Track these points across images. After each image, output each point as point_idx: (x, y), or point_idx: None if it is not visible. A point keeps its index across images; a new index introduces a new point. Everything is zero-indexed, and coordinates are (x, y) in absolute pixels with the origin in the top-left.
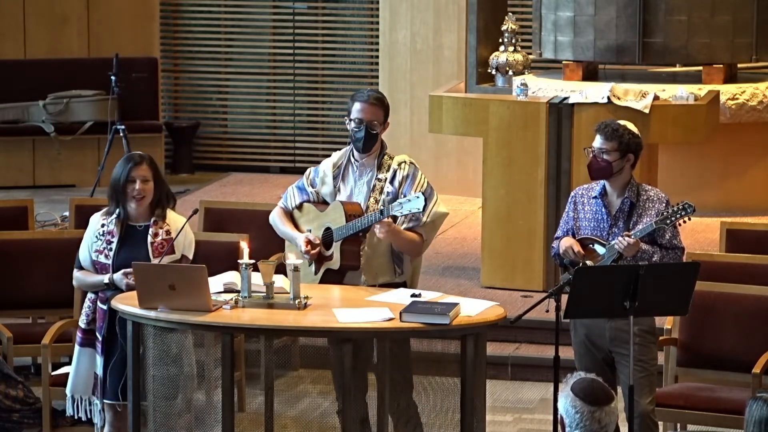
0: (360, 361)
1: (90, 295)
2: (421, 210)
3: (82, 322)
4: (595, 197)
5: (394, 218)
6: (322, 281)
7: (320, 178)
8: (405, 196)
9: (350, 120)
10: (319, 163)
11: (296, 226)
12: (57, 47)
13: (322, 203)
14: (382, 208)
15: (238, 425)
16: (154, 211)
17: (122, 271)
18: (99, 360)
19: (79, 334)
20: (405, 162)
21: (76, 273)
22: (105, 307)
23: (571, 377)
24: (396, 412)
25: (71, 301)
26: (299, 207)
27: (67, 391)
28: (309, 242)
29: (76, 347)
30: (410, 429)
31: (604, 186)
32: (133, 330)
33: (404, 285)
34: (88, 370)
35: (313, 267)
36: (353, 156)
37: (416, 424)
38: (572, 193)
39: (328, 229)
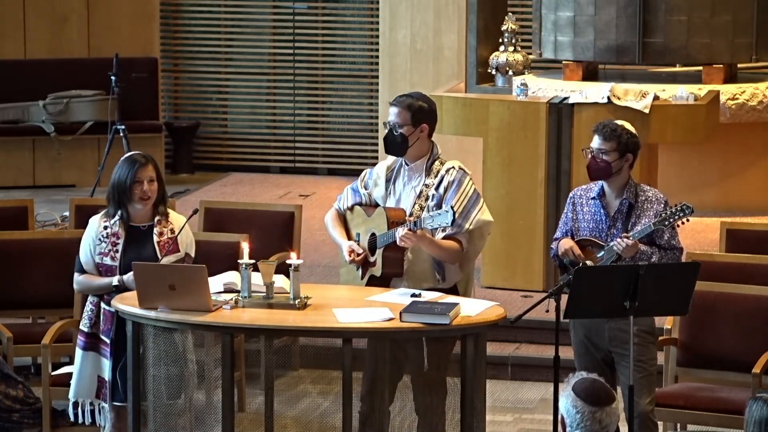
0: (391, 362)
1: (92, 298)
2: (449, 224)
3: (84, 326)
4: (593, 198)
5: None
6: (368, 286)
7: (373, 180)
8: (442, 207)
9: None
10: (320, 162)
11: (347, 229)
12: (57, 47)
13: (372, 206)
14: (416, 219)
15: (238, 425)
16: (155, 210)
17: (130, 275)
18: (107, 363)
19: (81, 338)
20: (453, 168)
21: (78, 277)
22: (112, 310)
23: (572, 377)
24: (424, 411)
25: (71, 301)
26: (351, 209)
27: (70, 395)
28: (352, 251)
29: (79, 351)
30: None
31: (602, 187)
32: (133, 330)
33: (454, 291)
34: (91, 375)
35: (360, 272)
36: (405, 160)
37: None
38: (570, 194)
39: (373, 234)
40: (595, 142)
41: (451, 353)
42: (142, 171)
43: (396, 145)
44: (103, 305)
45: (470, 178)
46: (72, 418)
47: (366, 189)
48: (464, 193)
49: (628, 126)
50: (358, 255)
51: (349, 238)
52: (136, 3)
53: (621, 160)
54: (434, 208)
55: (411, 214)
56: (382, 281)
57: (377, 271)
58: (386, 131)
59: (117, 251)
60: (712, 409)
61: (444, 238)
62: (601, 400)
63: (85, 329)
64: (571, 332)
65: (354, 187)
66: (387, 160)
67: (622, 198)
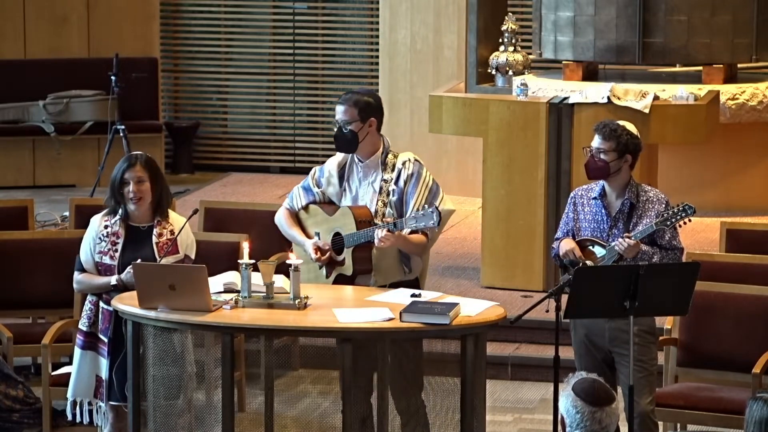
0: (365, 361)
1: (90, 297)
2: (436, 225)
3: (83, 325)
4: (594, 198)
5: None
6: (335, 283)
7: (326, 178)
8: (419, 210)
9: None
10: (320, 162)
11: (303, 228)
12: (57, 47)
13: (327, 203)
14: (395, 221)
15: (238, 425)
16: (155, 211)
17: (127, 273)
18: (104, 362)
19: (80, 337)
20: (409, 160)
21: (78, 276)
22: (110, 308)
23: (572, 377)
24: (405, 412)
25: (71, 301)
26: (305, 208)
27: (69, 395)
28: (318, 249)
29: (77, 350)
30: (418, 429)
31: (603, 187)
32: (133, 330)
33: (416, 281)
34: (89, 374)
35: (324, 270)
36: (357, 156)
37: (424, 424)
38: (572, 194)
39: (337, 234)
40: (595, 141)
41: (421, 351)
42: (129, 171)
43: (347, 142)
44: (101, 304)
45: (426, 169)
46: (70, 418)
47: (319, 187)
48: (425, 185)
49: (629, 127)
50: (324, 254)
51: (307, 236)
52: (136, 3)
53: (619, 161)
54: (396, 203)
55: (375, 212)
56: (349, 278)
57: (347, 270)
58: (335, 130)
59: (116, 250)
60: (712, 409)
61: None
62: (601, 400)
63: (84, 328)
64: (571, 332)
65: (305, 185)
66: (337, 157)
67: (624, 198)
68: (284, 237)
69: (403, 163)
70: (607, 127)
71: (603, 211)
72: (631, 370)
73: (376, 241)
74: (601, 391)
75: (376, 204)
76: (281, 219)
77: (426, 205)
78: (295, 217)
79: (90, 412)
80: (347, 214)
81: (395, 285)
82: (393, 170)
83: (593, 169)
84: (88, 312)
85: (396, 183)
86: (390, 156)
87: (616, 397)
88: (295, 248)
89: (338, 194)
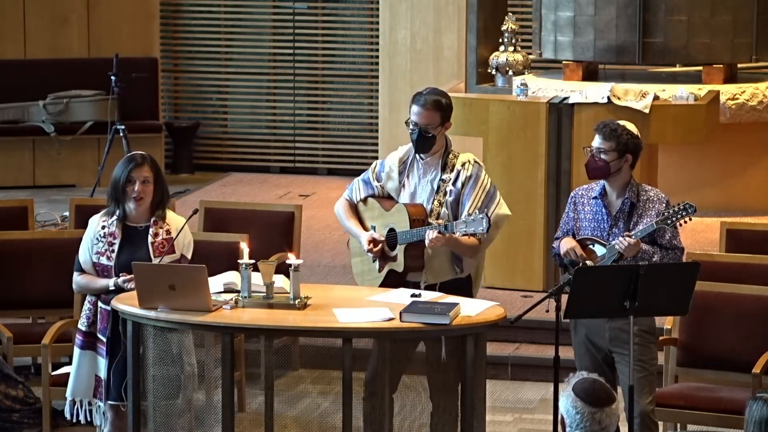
0: (397, 360)
1: (90, 297)
2: (485, 231)
3: (82, 325)
4: (595, 197)
5: None
6: (384, 281)
7: (386, 173)
8: (470, 215)
9: (409, 120)
10: (320, 162)
11: (360, 221)
12: (57, 47)
13: (386, 198)
14: (446, 223)
15: (238, 425)
16: (154, 211)
17: (122, 278)
18: (102, 362)
19: (79, 337)
20: (469, 162)
21: (77, 278)
22: (108, 308)
23: (572, 377)
24: (436, 411)
25: (71, 301)
26: (364, 200)
27: (68, 394)
28: (372, 241)
29: (77, 350)
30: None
31: (603, 186)
32: (133, 330)
33: (468, 280)
34: (89, 373)
35: (377, 264)
36: (420, 154)
37: (452, 424)
38: (572, 194)
39: (392, 230)
40: (596, 141)
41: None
42: (137, 171)
43: (429, 145)
44: (100, 304)
45: (485, 172)
46: (69, 417)
47: (378, 181)
48: (482, 188)
49: (630, 126)
50: (377, 245)
51: (364, 229)
52: (136, 3)
53: (620, 160)
54: (452, 204)
55: (431, 211)
56: (400, 275)
57: (399, 266)
58: (415, 132)
59: (113, 251)
60: (712, 409)
61: None
62: (601, 401)
63: (83, 328)
64: (571, 332)
65: (366, 178)
66: (398, 152)
67: (624, 197)
68: (284, 237)
69: (463, 164)
70: (608, 127)
71: (603, 210)
72: (630, 370)
73: (426, 241)
74: (601, 391)
75: (432, 203)
76: (340, 209)
77: (477, 211)
78: (354, 208)
79: (90, 411)
80: (402, 212)
81: (446, 284)
82: (452, 170)
83: (594, 169)
84: (87, 312)
85: (454, 184)
86: (451, 156)
87: (616, 397)
88: (354, 241)
89: (397, 189)
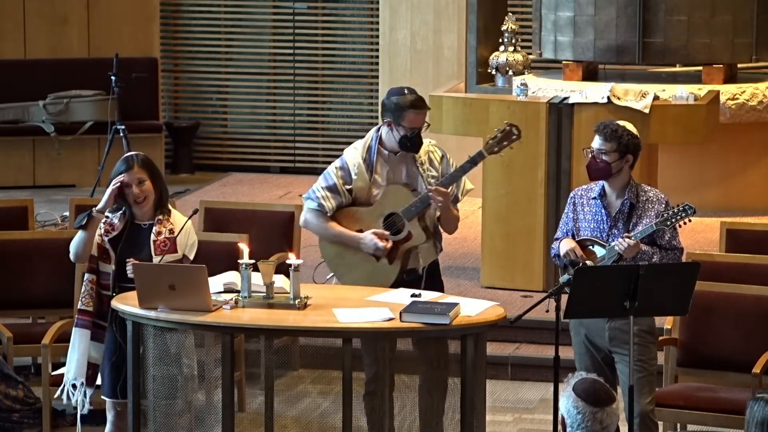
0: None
1: (88, 275)
2: (461, 192)
3: (80, 304)
4: (594, 198)
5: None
6: (395, 280)
7: (356, 174)
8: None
9: (400, 125)
10: (320, 162)
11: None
12: (57, 47)
13: (351, 204)
14: (440, 180)
15: (238, 425)
16: (157, 207)
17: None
18: (98, 347)
19: (77, 316)
20: (432, 145)
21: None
22: (110, 293)
23: (572, 377)
24: (433, 412)
25: (71, 301)
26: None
27: (70, 378)
28: (383, 235)
29: (74, 330)
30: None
31: (603, 187)
32: (133, 330)
33: (437, 262)
34: (83, 353)
35: (384, 261)
36: (381, 151)
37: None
38: (571, 194)
39: (389, 216)
40: (596, 142)
41: (449, 353)
42: (128, 175)
43: (415, 146)
44: (101, 291)
45: None
46: (65, 400)
47: (347, 185)
48: (453, 163)
49: (629, 127)
50: (387, 239)
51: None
52: (136, 3)
53: (621, 161)
54: (436, 185)
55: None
56: (410, 272)
57: (420, 238)
58: (414, 133)
59: (109, 234)
60: (712, 409)
61: None
62: (601, 401)
63: (80, 306)
64: (571, 332)
65: (330, 186)
66: (357, 152)
67: (624, 198)
68: (284, 237)
69: (426, 152)
70: (608, 127)
71: (603, 211)
72: (630, 370)
73: (433, 195)
74: (601, 391)
75: (420, 181)
76: (314, 220)
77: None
78: (327, 217)
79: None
80: (398, 190)
81: (431, 265)
82: (421, 157)
83: (595, 170)
84: (84, 292)
85: (431, 165)
86: None
87: (616, 397)
88: (334, 249)
89: (366, 188)
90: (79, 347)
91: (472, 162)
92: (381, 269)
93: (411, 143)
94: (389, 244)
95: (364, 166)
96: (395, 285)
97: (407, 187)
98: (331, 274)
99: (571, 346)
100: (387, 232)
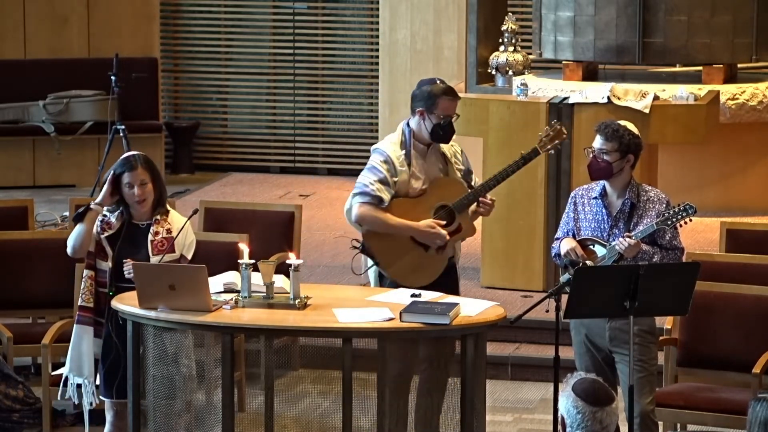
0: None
1: (86, 272)
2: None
3: (80, 300)
4: (595, 198)
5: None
6: (435, 281)
7: (396, 167)
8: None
9: (432, 113)
10: (320, 162)
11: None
12: (57, 47)
13: (401, 195)
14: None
15: (238, 425)
16: (155, 208)
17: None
18: (98, 342)
19: (79, 314)
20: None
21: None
22: (107, 291)
23: (571, 377)
24: (424, 411)
25: (71, 301)
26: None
27: (74, 377)
28: (440, 226)
29: (77, 327)
30: (431, 429)
31: (604, 186)
32: (133, 330)
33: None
34: (84, 350)
35: (432, 251)
36: (416, 145)
37: (436, 425)
38: (572, 194)
39: (440, 208)
40: (597, 142)
41: (453, 353)
42: (131, 176)
43: (449, 135)
44: (99, 288)
45: None
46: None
47: (393, 177)
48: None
49: (630, 126)
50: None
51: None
52: (136, 3)
53: (622, 161)
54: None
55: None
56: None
57: (470, 231)
58: (448, 122)
59: (105, 232)
60: (712, 409)
61: None
62: (601, 400)
63: (80, 303)
64: (572, 332)
65: (382, 179)
66: (393, 146)
67: (624, 198)
68: (284, 237)
69: (451, 145)
70: (609, 127)
71: (604, 210)
72: (630, 370)
73: (481, 208)
74: (601, 390)
75: (452, 174)
76: (371, 214)
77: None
78: (382, 209)
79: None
80: (452, 182)
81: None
82: (449, 152)
83: (596, 170)
84: (83, 288)
85: (456, 158)
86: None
87: (615, 396)
88: (383, 240)
89: (407, 180)
90: (84, 344)
91: (527, 159)
92: (430, 259)
93: (444, 131)
94: (448, 233)
95: (405, 159)
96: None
97: (459, 181)
98: (370, 265)
99: (571, 346)
100: (443, 222)
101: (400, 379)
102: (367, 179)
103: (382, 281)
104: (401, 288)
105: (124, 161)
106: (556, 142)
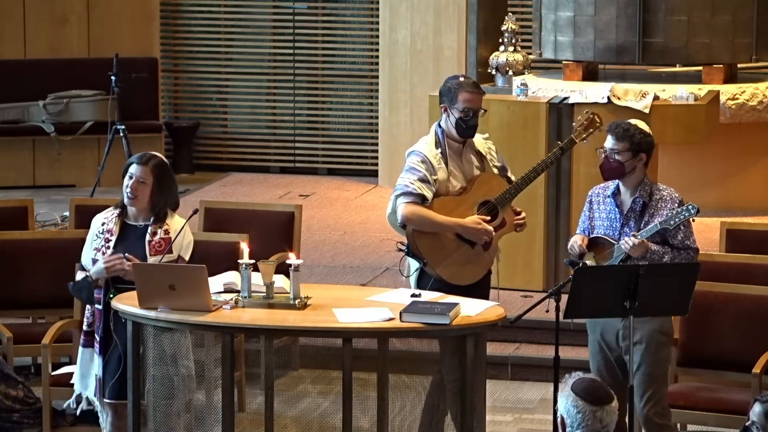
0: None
1: None
2: None
3: (85, 325)
4: (608, 196)
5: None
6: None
7: (434, 166)
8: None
9: (454, 107)
10: (320, 162)
11: None
12: (57, 47)
13: (441, 194)
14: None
15: (238, 425)
16: (153, 212)
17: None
18: (98, 360)
19: (82, 336)
20: (484, 139)
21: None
22: (100, 307)
23: (569, 378)
24: (436, 412)
25: (71, 301)
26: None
27: (86, 394)
28: (487, 223)
29: (79, 348)
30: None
31: (618, 185)
32: (133, 330)
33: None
34: (89, 370)
35: (479, 247)
36: (450, 144)
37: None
38: (589, 192)
39: (482, 204)
40: (609, 141)
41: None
42: (135, 168)
43: (473, 130)
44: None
45: None
46: (72, 407)
47: (433, 177)
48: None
49: (642, 125)
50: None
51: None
52: (136, 3)
53: (634, 160)
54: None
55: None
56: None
57: (511, 227)
58: (471, 116)
59: (108, 248)
60: (713, 409)
61: None
62: (601, 399)
63: (85, 328)
64: (588, 331)
65: (422, 177)
66: (428, 146)
67: (636, 196)
68: (284, 237)
69: (484, 140)
70: (620, 127)
71: (616, 209)
72: (631, 371)
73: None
74: (600, 390)
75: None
76: (416, 213)
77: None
78: (426, 208)
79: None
80: (493, 178)
81: None
82: (480, 147)
83: (608, 170)
84: (87, 312)
85: (492, 155)
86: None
87: (614, 396)
88: (429, 239)
89: (446, 179)
90: (90, 366)
91: (564, 149)
92: (477, 255)
93: (467, 125)
94: (492, 227)
95: (441, 158)
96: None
97: (499, 176)
98: (413, 271)
99: (571, 347)
100: (488, 217)
101: (441, 377)
102: (407, 179)
103: (421, 283)
104: (438, 290)
105: (141, 154)
106: (591, 130)
